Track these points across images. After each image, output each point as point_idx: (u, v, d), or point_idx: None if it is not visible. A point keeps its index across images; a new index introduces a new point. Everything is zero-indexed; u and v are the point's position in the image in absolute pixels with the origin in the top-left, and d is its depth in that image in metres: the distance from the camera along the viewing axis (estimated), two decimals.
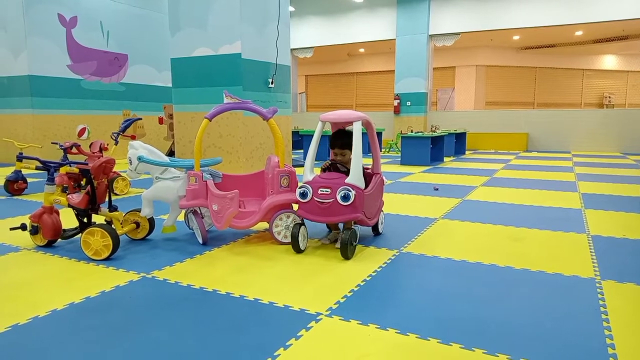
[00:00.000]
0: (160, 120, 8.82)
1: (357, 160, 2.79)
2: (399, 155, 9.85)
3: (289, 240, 3.10)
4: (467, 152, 11.93)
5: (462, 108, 16.21)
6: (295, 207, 3.31)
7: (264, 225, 3.46)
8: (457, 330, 1.84)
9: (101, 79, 9.70)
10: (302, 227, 2.92)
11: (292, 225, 3.00)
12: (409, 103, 13.47)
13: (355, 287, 2.30)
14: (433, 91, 15.23)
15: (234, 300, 2.15)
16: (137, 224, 3.16)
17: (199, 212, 3.20)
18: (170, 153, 7.74)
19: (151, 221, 3.21)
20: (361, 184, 2.81)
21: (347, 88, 19.48)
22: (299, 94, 17.90)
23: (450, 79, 17.01)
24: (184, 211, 3.27)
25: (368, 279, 2.43)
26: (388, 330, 1.84)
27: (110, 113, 9.81)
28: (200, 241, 3.12)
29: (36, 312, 2.01)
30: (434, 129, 9.99)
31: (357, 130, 2.81)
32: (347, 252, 2.74)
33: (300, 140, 10.07)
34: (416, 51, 13.16)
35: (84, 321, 1.94)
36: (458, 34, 12.89)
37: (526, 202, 4.72)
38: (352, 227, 2.85)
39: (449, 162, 9.24)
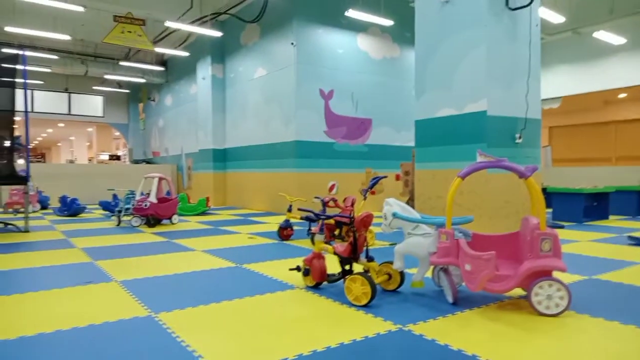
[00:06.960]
0: (397, 177, 9.33)
1: None
2: None
3: (551, 311, 2.78)
4: None
5: None
6: (557, 274, 2.96)
7: (517, 291, 3.19)
8: None
9: (349, 142, 10.94)
10: None
11: None
12: None
13: None
14: None
15: None
16: (390, 276, 3.34)
17: (449, 270, 3.18)
18: None
19: (402, 274, 3.35)
20: None
21: (603, 139, 16.85)
22: (543, 147, 16.38)
23: None
24: (431, 268, 3.30)
25: None
26: None
27: (355, 171, 10.89)
28: (450, 300, 3.07)
29: (315, 346, 2.30)
30: None
31: None
32: None
33: (547, 198, 9.10)
34: None
35: None
36: None
37: None
38: None
39: None
